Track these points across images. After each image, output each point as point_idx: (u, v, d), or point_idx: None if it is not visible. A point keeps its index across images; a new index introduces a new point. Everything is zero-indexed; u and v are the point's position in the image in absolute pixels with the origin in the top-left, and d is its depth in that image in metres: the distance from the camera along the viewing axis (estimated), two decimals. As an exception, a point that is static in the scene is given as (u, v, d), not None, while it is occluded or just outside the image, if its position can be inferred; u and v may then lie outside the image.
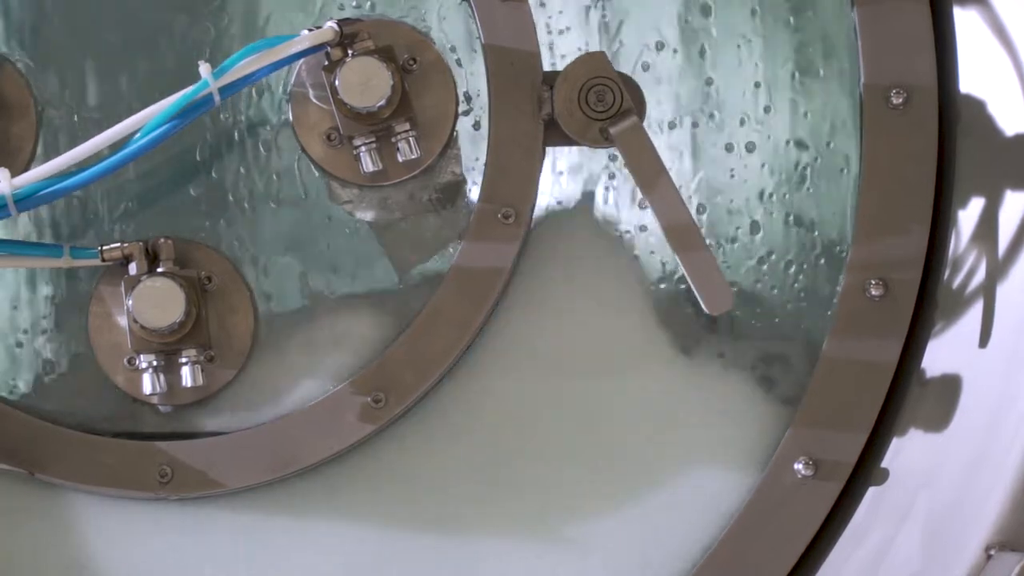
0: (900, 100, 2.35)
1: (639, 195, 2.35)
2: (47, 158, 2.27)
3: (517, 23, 2.32)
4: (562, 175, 2.38)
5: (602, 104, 2.26)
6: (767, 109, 2.38)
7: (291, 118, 2.33)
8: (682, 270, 2.22)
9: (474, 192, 2.35)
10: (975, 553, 2.05)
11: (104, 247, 2.26)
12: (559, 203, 2.38)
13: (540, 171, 2.34)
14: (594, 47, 2.35)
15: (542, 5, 2.37)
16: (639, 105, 2.30)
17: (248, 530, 2.35)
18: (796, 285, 2.39)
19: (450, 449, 2.37)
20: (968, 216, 2.32)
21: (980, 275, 2.28)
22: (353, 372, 2.35)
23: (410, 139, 2.27)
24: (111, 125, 2.17)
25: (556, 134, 2.30)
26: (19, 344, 2.34)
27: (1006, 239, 2.24)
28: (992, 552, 2.04)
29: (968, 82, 2.34)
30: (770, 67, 2.38)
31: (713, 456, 2.38)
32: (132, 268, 2.27)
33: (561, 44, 2.37)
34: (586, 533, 2.37)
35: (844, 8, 2.37)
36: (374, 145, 2.28)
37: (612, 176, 2.38)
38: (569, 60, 2.28)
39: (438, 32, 2.35)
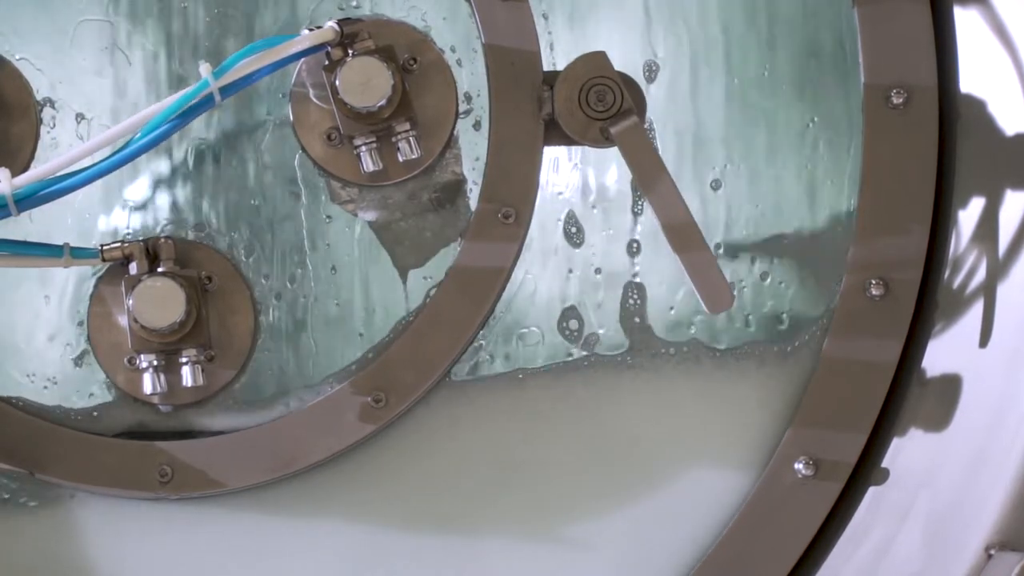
0: (900, 100, 2.35)
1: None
2: (47, 158, 2.28)
3: (517, 23, 2.32)
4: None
5: (602, 104, 2.26)
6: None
7: (291, 118, 2.33)
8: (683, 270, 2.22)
9: (474, 192, 2.35)
10: (975, 553, 2.05)
11: (104, 247, 2.26)
12: None
13: (540, 171, 2.34)
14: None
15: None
16: (639, 105, 2.30)
17: (248, 530, 2.35)
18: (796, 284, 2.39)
19: (450, 449, 2.37)
20: (968, 216, 2.32)
21: (980, 275, 2.28)
22: (353, 372, 2.35)
23: (410, 139, 2.27)
24: (111, 125, 2.18)
25: (556, 134, 2.30)
26: (20, 343, 2.34)
27: (1006, 239, 2.24)
28: (992, 552, 2.04)
29: (968, 82, 2.34)
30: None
31: (713, 456, 2.38)
32: (132, 268, 2.27)
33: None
34: (586, 533, 2.37)
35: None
36: (374, 145, 2.28)
37: None
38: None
39: (438, 32, 2.35)
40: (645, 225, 2.38)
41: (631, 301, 2.38)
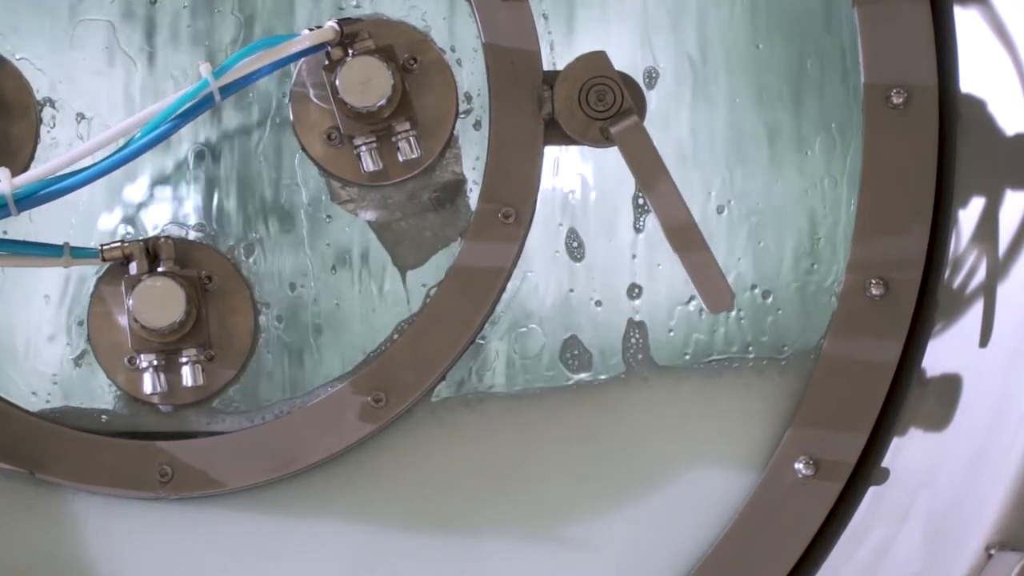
0: (900, 100, 2.35)
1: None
2: (47, 158, 2.29)
3: (517, 23, 2.32)
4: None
5: (602, 104, 2.26)
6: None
7: (291, 118, 2.33)
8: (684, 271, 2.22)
9: (474, 192, 2.35)
10: (975, 553, 2.05)
11: (104, 246, 2.26)
12: None
13: (540, 171, 2.34)
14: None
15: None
16: (639, 105, 2.30)
17: (248, 530, 2.35)
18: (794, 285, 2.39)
19: (450, 449, 2.37)
20: (968, 216, 2.32)
21: (980, 275, 2.28)
22: (353, 372, 2.35)
23: (410, 139, 2.27)
24: (111, 125, 2.18)
25: (556, 134, 2.30)
26: (20, 344, 2.34)
27: (1006, 239, 2.24)
28: (992, 552, 2.04)
29: (968, 82, 2.34)
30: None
31: (713, 456, 2.38)
32: (132, 268, 2.27)
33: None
34: (586, 533, 2.37)
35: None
36: (374, 145, 2.28)
37: None
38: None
39: (438, 32, 2.35)
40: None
41: (633, 339, 2.38)
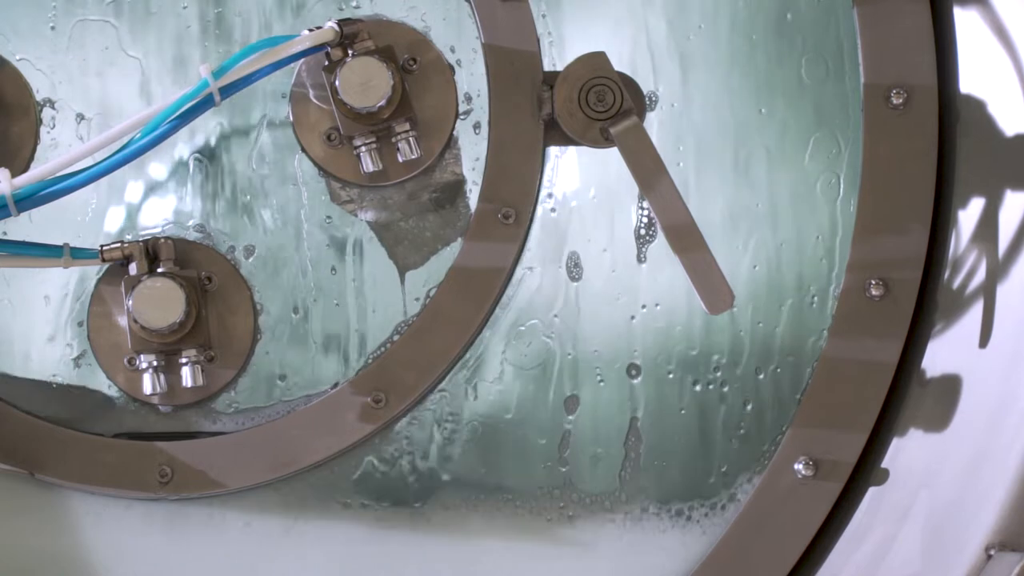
0: (900, 100, 2.35)
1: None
2: (47, 158, 2.29)
3: (517, 23, 2.32)
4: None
5: (602, 104, 2.26)
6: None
7: (291, 118, 2.33)
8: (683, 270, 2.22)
9: (474, 192, 2.36)
10: (975, 553, 2.05)
11: (104, 247, 2.26)
12: None
13: (540, 171, 2.34)
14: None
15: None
16: (639, 105, 2.30)
17: (248, 530, 2.35)
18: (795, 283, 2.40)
19: (450, 449, 2.37)
20: (968, 216, 2.32)
21: (980, 275, 2.28)
22: (353, 372, 2.35)
23: (410, 139, 2.27)
24: (111, 125, 2.18)
25: (556, 134, 2.31)
26: (20, 344, 2.34)
27: (1006, 239, 2.24)
28: (992, 552, 2.04)
29: (968, 82, 2.34)
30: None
31: (713, 456, 2.38)
32: (132, 268, 2.27)
33: None
34: (586, 533, 2.37)
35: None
36: (374, 145, 2.28)
37: None
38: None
39: (438, 32, 2.35)
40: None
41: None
